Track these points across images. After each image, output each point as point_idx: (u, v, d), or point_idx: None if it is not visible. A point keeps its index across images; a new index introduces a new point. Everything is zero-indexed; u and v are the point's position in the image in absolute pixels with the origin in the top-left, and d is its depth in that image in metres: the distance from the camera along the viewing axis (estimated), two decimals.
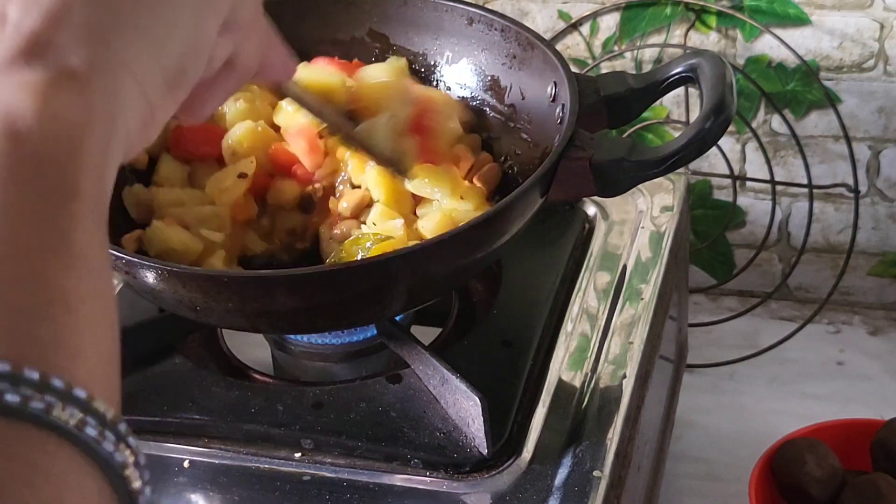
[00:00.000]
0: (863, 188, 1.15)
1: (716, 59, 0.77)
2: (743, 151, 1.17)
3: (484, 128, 0.89)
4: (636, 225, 0.94)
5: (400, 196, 0.80)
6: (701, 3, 1.10)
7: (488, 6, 1.07)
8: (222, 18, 0.52)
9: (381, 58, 0.92)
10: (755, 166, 1.17)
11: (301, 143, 0.82)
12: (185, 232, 0.77)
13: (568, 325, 0.84)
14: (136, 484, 0.37)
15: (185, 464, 0.75)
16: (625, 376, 0.80)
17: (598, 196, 0.76)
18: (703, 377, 1.14)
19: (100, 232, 0.40)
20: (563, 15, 1.14)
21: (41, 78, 0.40)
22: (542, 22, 1.14)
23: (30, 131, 0.39)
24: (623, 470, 0.75)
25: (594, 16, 1.13)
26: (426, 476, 0.72)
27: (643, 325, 0.84)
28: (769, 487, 0.94)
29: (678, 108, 1.15)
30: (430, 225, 0.78)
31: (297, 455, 0.75)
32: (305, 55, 0.93)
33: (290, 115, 0.84)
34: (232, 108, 0.85)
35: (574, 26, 1.14)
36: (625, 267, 0.90)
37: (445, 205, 0.79)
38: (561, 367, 0.80)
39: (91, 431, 0.35)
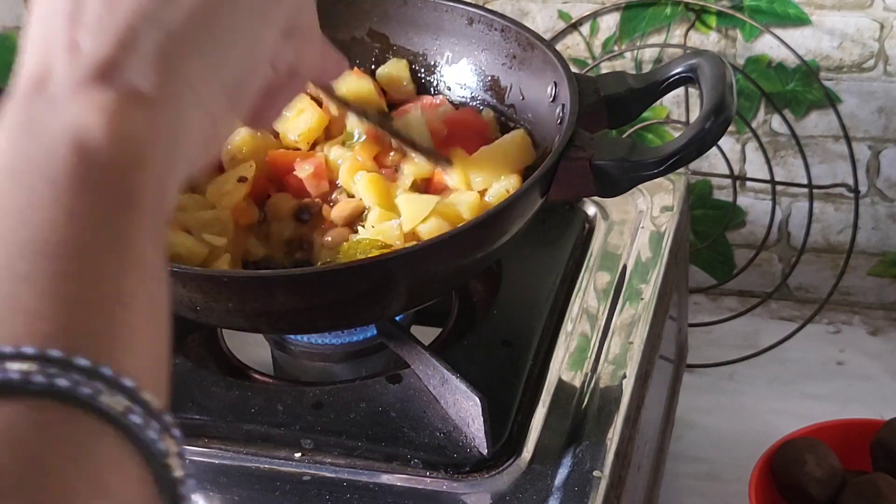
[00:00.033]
0: (863, 188, 1.15)
1: (716, 60, 0.77)
2: (743, 151, 1.17)
3: None
4: (636, 225, 0.94)
5: (391, 201, 0.80)
6: (701, 3, 1.10)
7: (488, 6, 1.07)
8: (279, 28, 0.54)
9: (381, 58, 0.92)
10: (755, 166, 1.17)
11: (308, 168, 0.82)
12: (190, 237, 0.77)
13: (568, 325, 0.84)
14: (179, 473, 0.38)
15: None
16: (625, 376, 0.80)
17: (598, 196, 0.76)
18: (703, 377, 1.14)
19: (158, 240, 0.42)
20: (563, 15, 1.14)
21: (111, 99, 0.43)
22: (542, 22, 1.14)
23: (99, 148, 0.41)
24: (623, 470, 0.75)
25: (594, 16, 1.13)
26: (426, 476, 0.72)
27: (643, 325, 0.84)
28: (769, 487, 0.94)
29: (678, 108, 1.15)
30: (428, 227, 0.78)
31: (297, 455, 0.75)
32: None
33: (290, 122, 0.85)
34: None
35: (574, 26, 1.14)
36: (625, 267, 0.90)
37: (492, 189, 0.79)
38: (561, 367, 0.80)
39: (136, 419, 0.36)
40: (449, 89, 0.90)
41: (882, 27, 1.08)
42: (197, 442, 0.76)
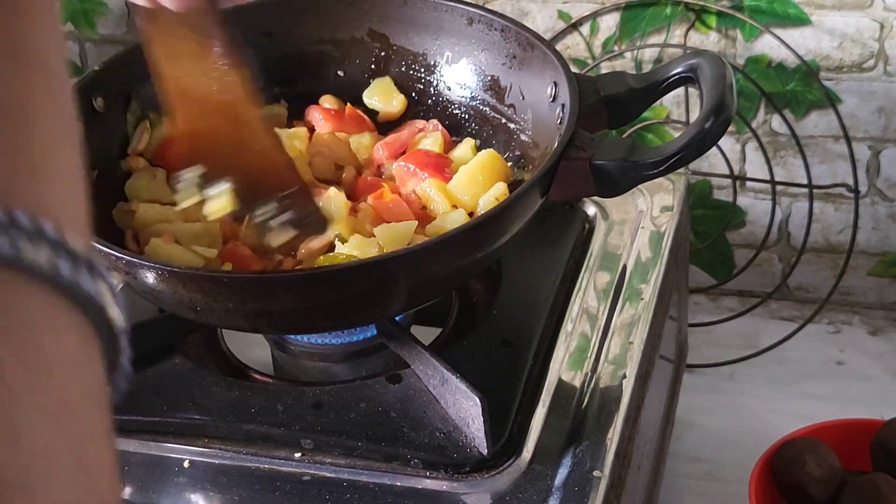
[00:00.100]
0: (863, 188, 1.15)
1: (716, 60, 0.77)
2: (743, 151, 1.17)
3: (484, 128, 0.89)
4: (636, 225, 0.94)
5: (368, 230, 0.80)
6: (701, 3, 1.10)
7: (488, 6, 1.07)
8: None
9: (381, 58, 0.92)
10: (755, 166, 1.17)
11: None
12: (186, 250, 0.77)
13: (568, 325, 0.84)
14: (115, 314, 0.33)
15: (185, 464, 0.75)
16: (625, 376, 0.80)
17: (598, 196, 0.76)
18: (703, 377, 1.14)
19: (57, 33, 0.35)
20: (563, 15, 1.14)
21: None
22: (542, 22, 1.14)
23: None
24: (623, 470, 0.75)
25: (594, 16, 1.13)
26: (426, 476, 0.72)
27: (643, 325, 0.84)
28: (769, 487, 0.94)
29: (678, 108, 1.15)
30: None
31: (297, 455, 0.75)
32: (305, 55, 0.93)
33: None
34: None
35: (574, 26, 1.14)
36: (625, 267, 0.90)
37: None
38: (561, 367, 0.80)
39: (65, 269, 0.31)
40: (449, 89, 0.90)
41: (882, 27, 1.08)
42: (197, 442, 0.76)
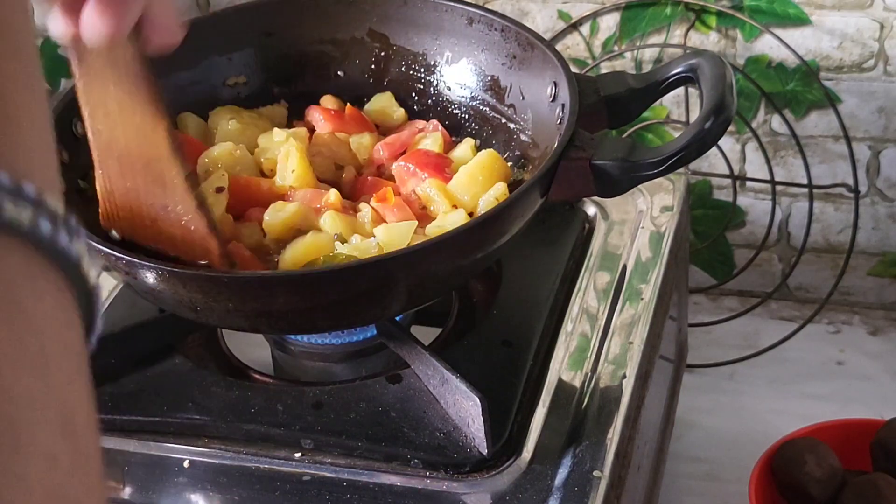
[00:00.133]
0: (863, 188, 1.15)
1: (716, 60, 0.77)
2: (743, 151, 1.17)
3: (484, 128, 0.89)
4: (636, 225, 0.94)
5: (367, 231, 0.80)
6: (701, 3, 1.10)
7: (488, 6, 1.07)
8: None
9: (381, 58, 0.92)
10: (755, 166, 1.17)
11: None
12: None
13: (568, 325, 0.84)
14: (91, 273, 0.34)
15: (185, 464, 0.75)
16: (625, 376, 0.80)
17: (598, 196, 0.76)
18: (703, 377, 1.14)
19: (25, 9, 0.36)
20: (563, 15, 1.14)
21: None
22: (542, 22, 1.14)
23: None
24: (623, 470, 0.75)
25: (594, 16, 1.13)
26: (426, 476, 0.72)
27: (643, 325, 0.84)
28: (769, 487, 0.94)
29: (678, 108, 1.15)
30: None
31: (297, 455, 0.75)
32: (306, 55, 0.93)
33: (273, 144, 0.85)
34: (223, 127, 0.86)
35: (574, 26, 1.14)
36: (625, 267, 0.90)
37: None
38: (561, 367, 0.80)
39: (45, 228, 0.32)
40: (449, 89, 0.90)
41: (882, 27, 1.08)
42: (197, 442, 0.76)
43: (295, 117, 0.91)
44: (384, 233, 0.78)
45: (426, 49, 0.90)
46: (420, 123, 0.89)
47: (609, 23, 1.13)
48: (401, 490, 0.72)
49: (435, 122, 0.89)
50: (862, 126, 1.12)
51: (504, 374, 0.78)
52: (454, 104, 0.90)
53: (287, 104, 0.92)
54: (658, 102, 0.86)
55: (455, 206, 0.81)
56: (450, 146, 0.87)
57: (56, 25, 0.62)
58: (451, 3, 0.88)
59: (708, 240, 1.21)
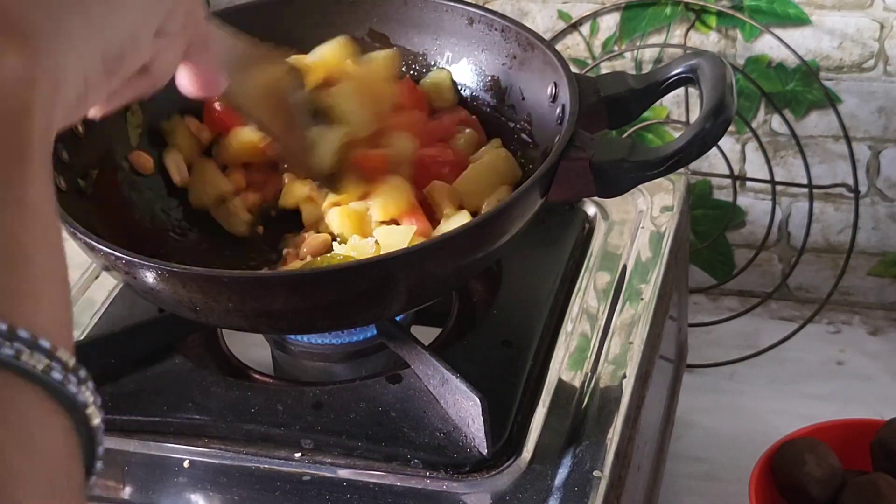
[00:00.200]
0: (863, 188, 1.15)
1: (716, 60, 0.77)
2: (743, 151, 1.17)
3: (484, 128, 0.89)
4: (636, 225, 0.94)
5: (368, 230, 0.80)
6: (701, 3, 1.10)
7: (488, 6, 1.07)
8: (161, 20, 0.55)
9: None
10: (755, 166, 1.17)
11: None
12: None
13: (568, 325, 0.84)
14: (96, 421, 0.39)
15: (185, 464, 0.75)
16: (625, 376, 0.80)
17: (598, 197, 0.76)
18: (703, 377, 1.14)
19: (48, 186, 0.42)
20: (563, 15, 1.14)
21: None
22: (542, 22, 1.14)
23: None
24: (623, 470, 0.75)
25: (594, 16, 1.13)
26: (426, 476, 0.72)
27: (643, 325, 0.84)
28: (769, 487, 0.94)
29: (678, 108, 1.15)
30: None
31: (297, 455, 0.75)
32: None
33: None
34: None
35: (574, 26, 1.14)
36: (625, 267, 0.90)
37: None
38: (561, 367, 0.80)
39: (57, 375, 0.37)
40: None
41: (882, 27, 1.08)
42: (197, 442, 0.76)
43: None
44: (383, 234, 0.78)
45: (426, 49, 0.90)
46: (463, 113, 0.88)
47: (609, 23, 1.13)
48: (401, 490, 0.72)
49: (465, 111, 0.88)
50: (862, 126, 1.12)
51: (504, 374, 0.78)
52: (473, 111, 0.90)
53: None
54: (658, 102, 0.86)
55: (461, 207, 0.81)
56: (481, 145, 0.87)
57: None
58: (452, 4, 0.88)
59: (708, 240, 1.21)
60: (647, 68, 1.14)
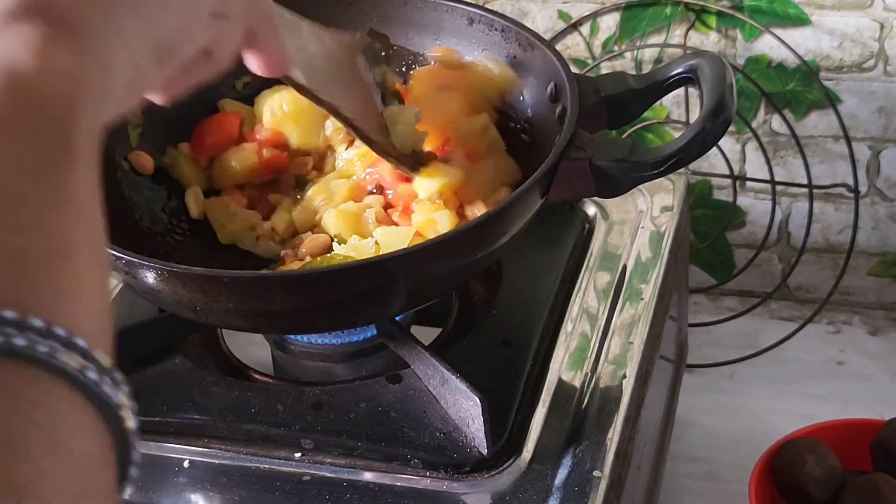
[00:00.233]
0: (863, 188, 1.15)
1: (716, 60, 0.77)
2: (743, 151, 1.17)
3: None
4: (636, 225, 0.94)
5: (367, 230, 0.80)
6: (701, 3, 1.10)
7: (488, 6, 1.07)
8: (215, 6, 0.54)
9: (381, 58, 0.92)
10: (755, 166, 1.17)
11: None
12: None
13: (568, 325, 0.84)
14: (131, 423, 0.38)
15: (185, 464, 0.75)
16: (625, 376, 0.80)
17: (598, 197, 0.76)
18: (703, 377, 1.14)
19: (94, 185, 0.42)
20: (563, 15, 1.14)
21: (40, 33, 0.42)
22: (542, 22, 1.14)
23: (29, 84, 0.40)
24: (623, 470, 0.75)
25: (594, 16, 1.13)
26: (426, 476, 0.72)
27: (643, 325, 0.84)
28: (769, 487, 0.94)
29: (678, 109, 1.15)
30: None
31: (297, 455, 0.75)
32: None
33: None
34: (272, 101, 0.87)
35: (574, 26, 1.14)
36: (625, 267, 0.90)
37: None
38: (561, 367, 0.80)
39: (92, 375, 0.36)
40: None
41: (882, 27, 1.08)
42: (197, 442, 0.76)
43: None
44: (383, 234, 0.78)
45: (426, 49, 0.90)
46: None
47: (609, 23, 1.13)
48: (401, 490, 0.72)
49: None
50: (862, 126, 1.12)
51: (504, 374, 0.78)
52: None
53: None
54: (658, 102, 0.86)
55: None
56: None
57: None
58: (452, 4, 0.88)
59: (708, 240, 1.21)
60: (647, 68, 1.14)
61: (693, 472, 1.04)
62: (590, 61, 1.15)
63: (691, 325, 1.13)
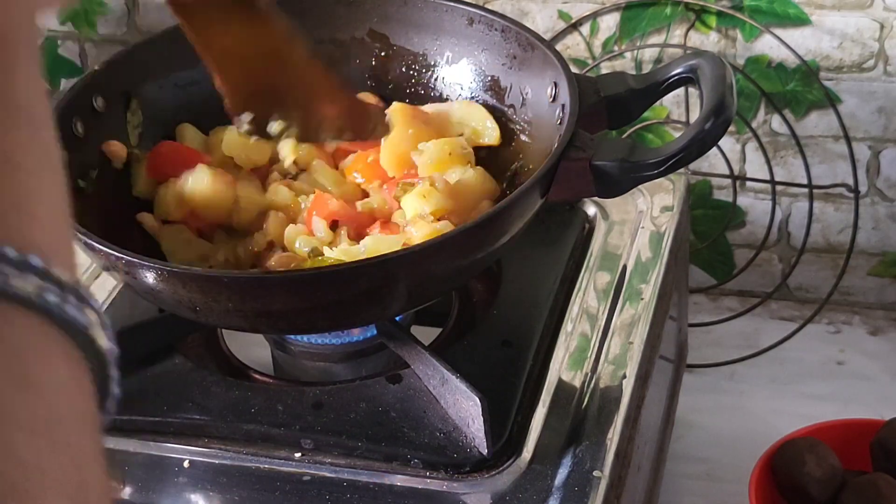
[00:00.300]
0: (863, 188, 1.15)
1: (716, 60, 0.77)
2: (743, 151, 1.17)
3: None
4: (636, 225, 0.94)
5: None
6: (701, 3, 1.10)
7: (488, 6, 1.07)
8: None
9: (381, 58, 0.92)
10: (755, 166, 1.17)
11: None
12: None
13: (568, 325, 0.84)
14: (103, 342, 0.35)
15: (185, 464, 0.75)
16: (625, 376, 0.80)
17: (599, 197, 0.76)
18: (703, 377, 1.14)
19: (39, 83, 0.37)
20: (563, 15, 1.14)
21: None
22: (542, 22, 1.14)
23: None
24: (623, 470, 0.75)
25: (594, 16, 1.13)
26: (426, 476, 0.72)
27: (643, 325, 0.84)
28: (769, 487, 0.94)
29: (678, 109, 1.15)
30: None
31: (297, 455, 0.75)
32: None
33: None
34: (228, 136, 0.86)
35: (574, 26, 1.14)
36: (625, 267, 0.90)
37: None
38: (561, 367, 0.80)
39: (51, 297, 0.33)
40: (449, 89, 0.90)
41: (882, 27, 1.08)
42: (197, 442, 0.76)
43: None
44: (372, 242, 0.78)
45: (426, 49, 0.90)
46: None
47: (609, 23, 1.13)
48: (401, 490, 0.72)
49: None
50: (862, 126, 1.12)
51: (504, 374, 0.78)
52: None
53: None
54: (658, 102, 0.86)
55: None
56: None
57: None
58: (452, 4, 0.88)
59: (708, 240, 1.21)
60: (647, 68, 1.14)
61: (693, 472, 1.04)
62: (590, 61, 1.15)
63: (691, 325, 1.13)
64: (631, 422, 0.77)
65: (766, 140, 1.15)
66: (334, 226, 0.81)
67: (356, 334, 0.82)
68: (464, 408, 0.73)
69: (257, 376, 0.82)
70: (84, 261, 0.79)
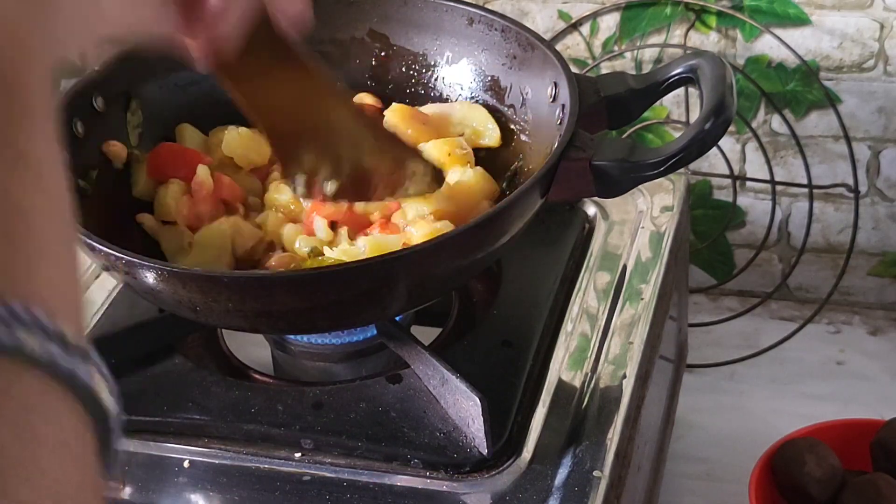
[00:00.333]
0: (863, 188, 1.15)
1: (716, 60, 0.77)
2: (743, 151, 1.17)
3: None
4: (636, 225, 0.94)
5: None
6: (701, 3, 1.10)
7: (488, 6, 1.07)
8: None
9: (381, 58, 0.92)
10: (755, 166, 1.17)
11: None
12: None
13: (568, 325, 0.84)
14: (106, 399, 0.35)
15: (185, 464, 0.75)
16: (625, 376, 0.80)
17: (598, 197, 0.76)
18: (703, 377, 1.14)
19: (53, 144, 0.38)
20: (563, 15, 1.14)
21: None
22: (542, 22, 1.14)
23: None
24: (623, 470, 0.75)
25: (594, 16, 1.13)
26: (426, 476, 0.72)
27: (643, 325, 0.84)
28: (769, 487, 0.94)
29: (678, 109, 1.15)
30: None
31: (297, 455, 0.75)
32: None
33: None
34: (229, 136, 0.86)
35: (574, 26, 1.14)
36: (625, 267, 0.90)
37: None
38: (561, 367, 0.80)
39: (55, 351, 0.34)
40: (449, 89, 0.90)
41: (882, 27, 1.08)
42: (197, 442, 0.76)
43: None
44: (372, 242, 0.78)
45: (426, 49, 0.90)
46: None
47: (609, 23, 1.13)
48: (401, 490, 0.72)
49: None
50: (862, 126, 1.12)
51: (504, 374, 0.78)
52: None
53: None
54: (658, 102, 0.86)
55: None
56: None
57: (198, 60, 0.64)
58: (452, 4, 0.88)
59: (708, 240, 1.21)
60: (647, 68, 1.14)
61: (693, 472, 1.04)
62: (590, 61, 1.15)
63: (691, 325, 1.13)
64: (631, 422, 0.77)
65: (766, 140, 1.15)
66: (334, 226, 0.81)
67: (356, 334, 0.83)
68: (464, 408, 0.73)
69: (257, 376, 0.82)
70: (84, 261, 0.79)
